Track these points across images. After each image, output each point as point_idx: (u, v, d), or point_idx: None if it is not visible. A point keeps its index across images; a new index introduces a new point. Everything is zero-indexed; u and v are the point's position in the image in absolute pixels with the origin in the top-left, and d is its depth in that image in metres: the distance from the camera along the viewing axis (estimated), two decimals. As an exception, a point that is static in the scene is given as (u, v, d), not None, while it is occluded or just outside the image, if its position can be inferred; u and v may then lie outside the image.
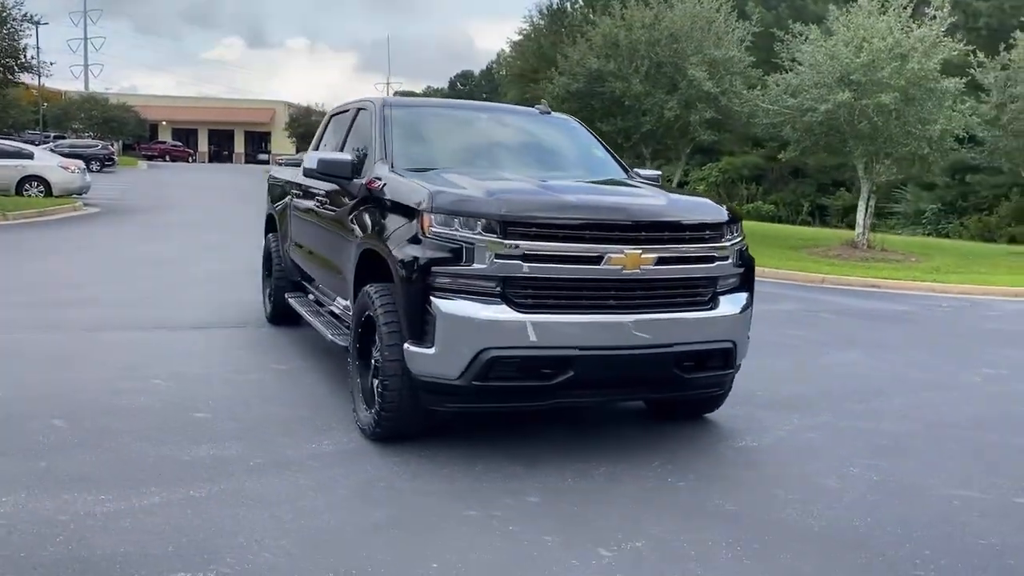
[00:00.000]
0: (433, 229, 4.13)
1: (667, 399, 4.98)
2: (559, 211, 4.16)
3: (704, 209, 4.56)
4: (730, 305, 4.54)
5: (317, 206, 6.07)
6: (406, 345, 4.22)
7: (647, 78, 18.01)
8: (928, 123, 15.15)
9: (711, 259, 4.44)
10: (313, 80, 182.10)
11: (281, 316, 7.66)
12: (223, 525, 3.46)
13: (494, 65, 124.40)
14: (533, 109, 6.41)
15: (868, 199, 17.16)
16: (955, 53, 15.35)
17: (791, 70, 16.86)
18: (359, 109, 6.11)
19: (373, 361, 4.64)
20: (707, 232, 4.44)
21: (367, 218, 4.90)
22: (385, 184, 4.81)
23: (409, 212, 4.35)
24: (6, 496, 3.64)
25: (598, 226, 4.17)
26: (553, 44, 52.44)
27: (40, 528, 3.35)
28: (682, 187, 22.79)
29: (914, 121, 15.23)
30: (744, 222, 5.05)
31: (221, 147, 76.73)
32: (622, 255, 4.15)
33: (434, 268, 4.09)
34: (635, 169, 5.99)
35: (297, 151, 59.35)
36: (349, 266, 5.16)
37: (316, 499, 3.78)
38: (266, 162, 70.38)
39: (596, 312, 4.17)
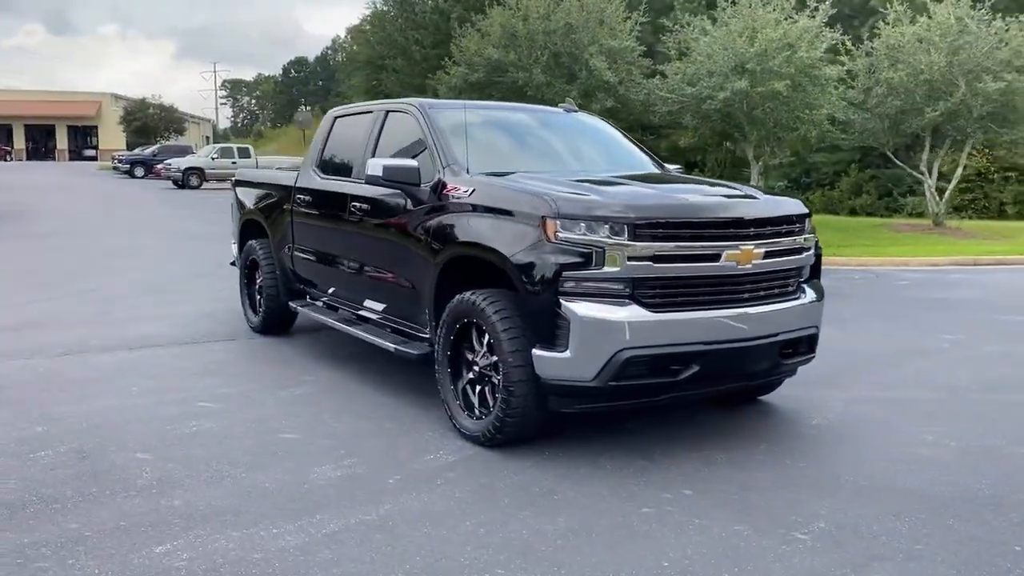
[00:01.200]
0: (560, 235, 4.17)
1: (758, 385, 5.23)
2: (683, 212, 4.31)
3: (790, 203, 4.82)
4: (813, 293, 4.84)
5: (352, 213, 5.89)
6: (535, 350, 4.24)
7: (547, 68, 18.33)
8: (815, 108, 16.33)
9: (801, 250, 4.73)
10: (131, 69, 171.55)
11: (273, 326, 7.40)
12: (429, 545, 3.41)
13: (330, 52, 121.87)
14: (560, 108, 6.49)
15: (757, 183, 18.25)
16: (834, 43, 16.55)
17: (679, 59, 17.61)
18: (389, 111, 5.99)
19: (472, 367, 4.66)
20: (796, 225, 4.71)
21: (451, 225, 4.84)
22: (474, 190, 4.78)
23: (523, 218, 4.35)
24: (177, 539, 3.43)
25: (717, 224, 4.35)
26: (402, 30, 52.12)
27: (249, 570, 3.19)
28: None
29: (801, 107, 16.36)
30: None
31: (40, 144, 71.12)
32: (738, 251, 4.35)
33: (565, 273, 4.14)
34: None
35: (131, 147, 55.89)
36: (422, 274, 5.09)
37: (490, 512, 3.77)
38: (94, 158, 65.90)
39: (716, 308, 4.35)
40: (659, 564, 3.27)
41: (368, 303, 6.06)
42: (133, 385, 5.81)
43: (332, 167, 6.51)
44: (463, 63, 19.56)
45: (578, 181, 4.74)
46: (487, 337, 4.56)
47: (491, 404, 4.58)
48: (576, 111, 6.49)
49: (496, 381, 4.50)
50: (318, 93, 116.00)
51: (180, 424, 4.95)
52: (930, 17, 17.25)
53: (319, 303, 6.86)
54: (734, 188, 4.99)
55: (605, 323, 4.09)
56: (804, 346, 4.82)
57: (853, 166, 34.43)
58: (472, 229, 4.68)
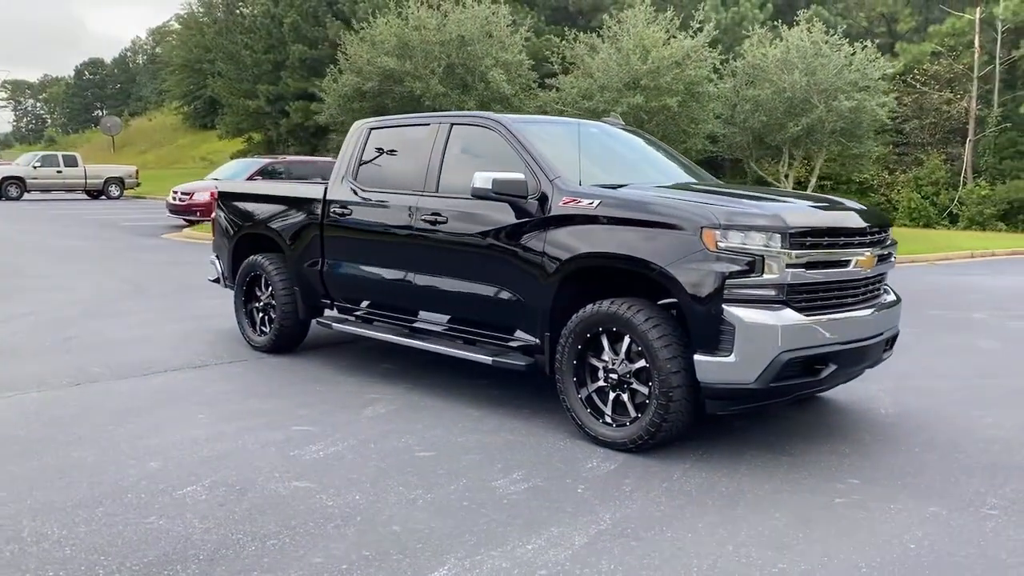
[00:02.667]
0: (722, 244, 4.39)
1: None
2: (826, 222, 4.67)
3: (880, 213, 5.29)
4: (895, 294, 5.35)
5: (422, 226, 5.81)
6: (697, 356, 4.44)
7: (443, 79, 18.32)
8: (700, 122, 17.43)
9: (891, 255, 5.21)
10: None
11: (285, 345, 7.12)
12: (687, 546, 3.53)
13: (129, 54, 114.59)
14: (609, 121, 6.69)
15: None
16: (714, 62, 17.74)
17: (564, 73, 18.22)
18: (454, 124, 5.96)
19: (604, 376, 4.79)
20: (887, 231, 5.19)
21: (576, 237, 4.94)
22: (600, 202, 4.90)
23: (677, 229, 4.53)
24: (444, 564, 3.35)
25: (849, 232, 4.73)
26: (225, 33, 50.08)
27: (558, 585, 3.19)
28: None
29: (687, 121, 17.42)
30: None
31: None
32: (864, 256, 4.76)
33: (729, 281, 4.36)
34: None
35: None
36: (531, 285, 5.15)
37: (708, 512, 3.93)
38: None
39: (847, 310, 4.73)
40: (905, 547, 3.57)
41: (425, 315, 6.01)
42: (195, 412, 5.45)
43: (377, 180, 6.37)
44: (353, 71, 19.18)
45: (707, 192, 4.98)
46: (625, 345, 4.70)
47: (630, 411, 4.72)
48: (622, 124, 6.72)
49: (640, 388, 4.65)
50: (117, 97, 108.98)
51: (300, 449, 4.73)
52: (783, 40, 18.86)
53: (351, 317, 6.68)
54: (823, 198, 5.40)
55: (768, 327, 4.35)
56: (892, 342, 5.30)
57: (722, 176, 37.04)
58: (609, 241, 4.79)
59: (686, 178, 6.18)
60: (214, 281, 8.03)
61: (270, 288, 7.15)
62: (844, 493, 4.17)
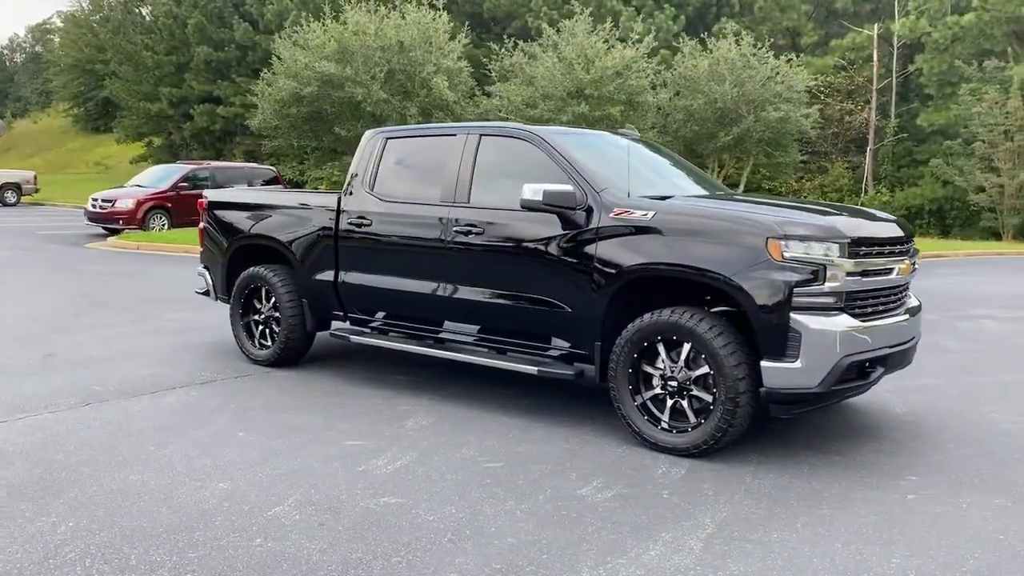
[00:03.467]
0: (787, 254, 4.57)
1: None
2: (876, 232, 4.91)
3: (905, 222, 5.59)
4: (917, 300, 5.66)
5: (456, 237, 5.80)
6: (764, 362, 4.61)
7: (385, 84, 18.12)
8: (640, 132, 17.82)
9: (915, 263, 5.51)
10: None
11: (290, 358, 6.98)
12: (830, 544, 3.67)
13: (6, 52, 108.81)
14: (626, 132, 6.81)
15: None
16: (655, 73, 18.20)
17: (503, 81, 18.35)
18: (484, 135, 5.97)
19: (657, 383, 4.92)
20: (913, 240, 5.50)
21: (631, 248, 5.04)
22: (655, 214, 5.01)
23: (741, 239, 4.68)
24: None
25: (892, 242, 5.00)
26: (118, 32, 48.08)
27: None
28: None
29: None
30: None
31: None
32: (903, 264, 5.04)
33: (796, 289, 4.55)
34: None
35: None
36: (581, 295, 5.22)
37: (822, 507, 4.09)
38: None
39: (889, 316, 4.99)
40: (995, 538, 3.81)
41: (452, 325, 6.01)
42: (232, 430, 5.30)
43: (399, 190, 6.33)
44: (289, 76, 18.76)
45: (753, 203, 5.16)
46: (684, 352, 4.83)
47: (690, 417, 4.86)
48: (638, 135, 6.86)
49: (701, 395, 4.79)
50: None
51: (365, 464, 4.67)
52: (711, 52, 19.52)
53: (366, 329, 6.61)
54: (858, 209, 5.67)
55: (832, 334, 4.56)
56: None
57: None
58: (669, 252, 4.91)
59: (704, 187, 6.36)
60: (203, 294, 7.78)
61: (272, 300, 6.99)
62: (910, 490, 4.41)
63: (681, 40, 19.42)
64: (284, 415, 5.65)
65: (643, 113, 18.02)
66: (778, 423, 5.42)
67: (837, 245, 4.62)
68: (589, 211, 5.25)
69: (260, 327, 7.15)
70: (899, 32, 31.10)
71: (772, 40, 31.57)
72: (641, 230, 5.04)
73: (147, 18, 47.84)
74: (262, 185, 21.81)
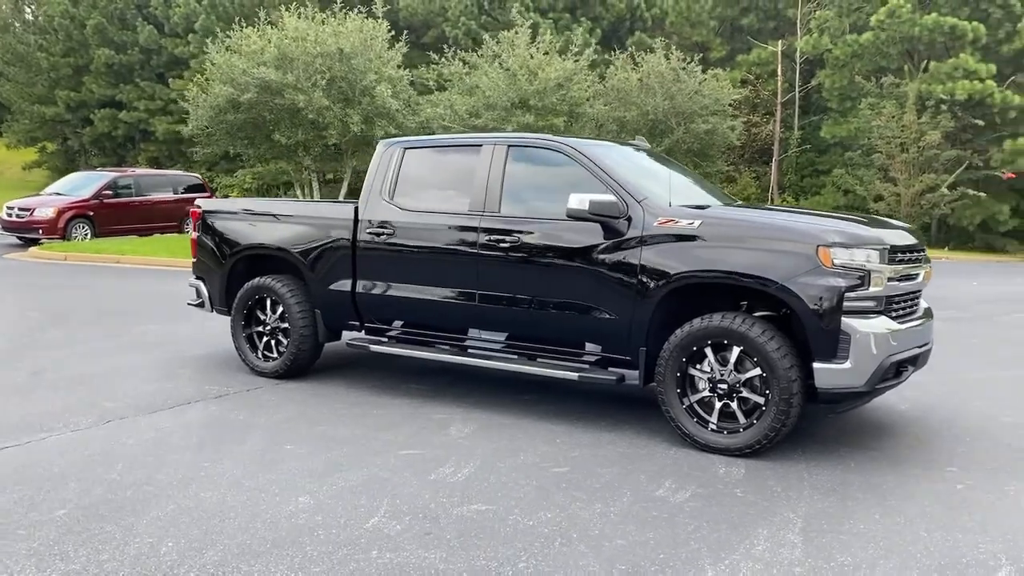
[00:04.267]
0: (837, 261, 4.84)
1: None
2: (906, 240, 5.23)
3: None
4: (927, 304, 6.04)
5: (487, 245, 5.86)
6: (816, 363, 4.86)
7: (327, 92, 17.81)
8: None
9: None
10: None
11: (299, 369, 6.89)
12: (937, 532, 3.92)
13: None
14: (637, 144, 6.98)
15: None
16: (595, 85, 18.57)
17: (441, 90, 18.39)
18: (511, 146, 6.05)
19: (704, 386, 5.13)
20: (923, 249, 5.88)
21: (678, 255, 5.21)
22: (701, 223, 5.21)
23: (792, 247, 4.93)
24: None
25: (915, 249, 5.33)
26: (7, 31, 45.61)
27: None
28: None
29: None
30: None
31: None
32: (925, 270, 5.40)
33: (846, 294, 4.82)
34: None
35: None
36: (626, 302, 5.37)
37: (870, 509, 4.34)
38: None
39: (912, 319, 5.33)
40: (1054, 520, 4.15)
41: (478, 333, 6.08)
42: (279, 443, 5.22)
43: (423, 200, 6.35)
44: (225, 81, 18.21)
45: (787, 212, 5.43)
46: (734, 356, 5.04)
47: (740, 418, 5.07)
48: (648, 146, 7.05)
49: (752, 396, 5.00)
50: None
51: (433, 473, 4.68)
52: (640, 65, 20.08)
53: (383, 338, 6.59)
54: (877, 219, 6.01)
55: (878, 336, 4.85)
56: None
57: None
58: (719, 259, 5.11)
59: (716, 196, 6.61)
60: (197, 306, 7.56)
61: (279, 311, 6.88)
62: (956, 480, 4.73)
63: (597, 53, 19.87)
64: (320, 427, 5.59)
65: (583, 124, 18.37)
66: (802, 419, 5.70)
67: (878, 252, 4.92)
68: (629, 220, 5.40)
69: (265, 339, 7.01)
70: (802, 48, 32.59)
71: (683, 55, 32.60)
72: (687, 238, 5.22)
73: (38, 17, 45.43)
74: (183, 192, 21.22)
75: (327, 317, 6.72)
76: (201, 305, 7.50)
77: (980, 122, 28.55)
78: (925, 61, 29.71)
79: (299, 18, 18.65)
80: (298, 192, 20.29)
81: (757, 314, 5.22)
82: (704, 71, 19.55)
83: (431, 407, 6.11)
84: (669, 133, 19.42)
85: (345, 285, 6.56)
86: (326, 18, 18.84)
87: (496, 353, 6.11)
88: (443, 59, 18.65)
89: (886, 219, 6.12)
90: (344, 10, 18.72)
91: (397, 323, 6.52)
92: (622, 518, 4.09)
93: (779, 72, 33.78)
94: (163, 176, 20.61)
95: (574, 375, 5.62)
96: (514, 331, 5.97)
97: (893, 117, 28.28)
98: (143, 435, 5.31)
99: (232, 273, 7.21)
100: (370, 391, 6.58)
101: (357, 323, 6.66)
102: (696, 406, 5.21)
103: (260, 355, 7.03)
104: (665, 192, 5.62)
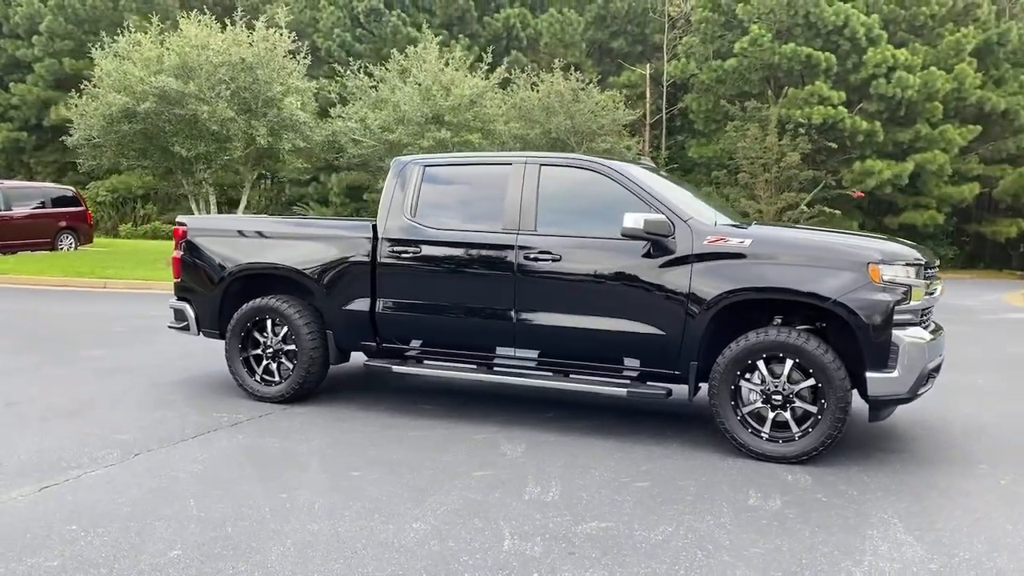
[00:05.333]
0: (885, 278, 5.21)
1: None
2: (931, 256, 5.65)
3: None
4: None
5: (525, 262, 5.90)
6: (869, 373, 5.19)
7: (231, 102, 16.98)
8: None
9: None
10: None
11: (305, 393, 6.67)
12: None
13: None
14: (645, 164, 7.15)
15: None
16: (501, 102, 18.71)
17: (344, 104, 18.07)
18: (543, 165, 6.11)
19: (755, 397, 5.38)
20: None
21: (729, 273, 5.43)
22: (752, 241, 5.46)
23: (842, 265, 5.25)
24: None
25: (932, 265, 5.77)
26: None
27: None
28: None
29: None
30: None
31: None
32: (941, 285, 5.87)
33: (896, 307, 5.19)
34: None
35: None
36: (676, 318, 5.54)
37: (942, 507, 4.68)
38: None
39: (935, 331, 5.78)
40: (1102, 508, 4.63)
41: (512, 351, 6.09)
42: (343, 470, 5.05)
43: (449, 218, 6.30)
44: (117, 89, 17.03)
45: (822, 232, 5.78)
46: (787, 367, 5.31)
47: (793, 427, 5.34)
48: (654, 167, 7.25)
49: (805, 406, 5.29)
50: None
51: (527, 493, 4.67)
52: (535, 87, 20.51)
53: (400, 358, 6.48)
54: (894, 238, 6.45)
55: (921, 345, 5.25)
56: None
57: None
58: (774, 276, 5.36)
59: (728, 215, 6.87)
60: (180, 329, 7.13)
61: (282, 332, 6.62)
62: (993, 475, 5.17)
63: (493, 70, 20.11)
64: (370, 451, 5.44)
65: (492, 141, 18.52)
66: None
67: (914, 268, 5.33)
68: (676, 238, 5.58)
69: (266, 362, 6.72)
70: (670, 72, 34.19)
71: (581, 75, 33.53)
72: (737, 256, 5.45)
73: None
74: (53, 206, 19.82)
75: (340, 338, 6.53)
76: (186, 328, 7.09)
77: (833, 145, 30.83)
78: (784, 87, 31.83)
79: (199, 25, 17.80)
80: (194, 207, 19.31)
81: (802, 328, 5.50)
82: (611, 94, 20.23)
83: (465, 427, 6.05)
84: (570, 152, 19.87)
85: (363, 304, 6.39)
86: (227, 27, 18.11)
87: (529, 371, 6.13)
88: (348, 72, 18.32)
89: (897, 239, 6.60)
90: (245, 18, 18.05)
91: (415, 342, 6.41)
92: (739, 528, 4.23)
93: (647, 94, 35.27)
94: (37, 188, 19.14)
95: (622, 391, 5.73)
96: (549, 348, 6.01)
97: (756, 139, 30.10)
98: (188, 467, 4.99)
99: (225, 294, 6.86)
100: (388, 413, 6.44)
101: (373, 343, 6.49)
102: (748, 417, 5.43)
103: (259, 379, 6.72)
104: (705, 211, 5.84)
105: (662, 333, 5.61)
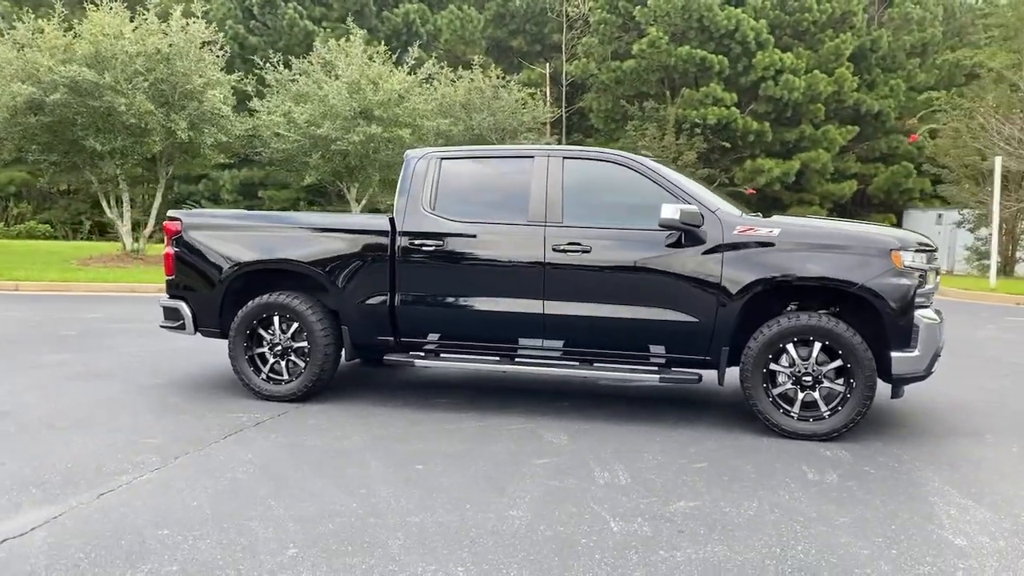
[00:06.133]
0: (905, 264, 5.57)
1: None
2: (933, 244, 6.05)
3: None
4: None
5: (559, 256, 5.97)
6: (893, 353, 5.54)
7: (150, 95, 16.07)
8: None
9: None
10: None
11: (318, 391, 6.56)
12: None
13: None
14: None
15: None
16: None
17: (260, 97, 17.56)
18: (567, 158, 6.20)
19: (785, 379, 5.66)
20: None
21: (761, 261, 5.68)
22: (781, 231, 5.72)
23: (866, 252, 5.57)
24: (960, 531, 4.01)
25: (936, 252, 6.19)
26: None
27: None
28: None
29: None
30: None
31: None
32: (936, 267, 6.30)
33: (917, 291, 5.57)
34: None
35: None
36: (708, 306, 5.75)
37: (989, 476, 5.06)
38: None
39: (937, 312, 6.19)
40: (1112, 468, 5.11)
41: (539, 341, 6.15)
42: (403, 463, 4.99)
43: (472, 211, 6.29)
44: (20, 79, 15.83)
45: (836, 221, 6.10)
46: (815, 349, 5.60)
47: (821, 406, 5.63)
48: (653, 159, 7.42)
49: (832, 386, 5.59)
50: None
51: (599, 477, 4.76)
52: (454, 82, 20.54)
53: (421, 353, 6.45)
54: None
55: (934, 325, 5.64)
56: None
57: (303, 204, 36.88)
58: (804, 264, 5.62)
59: (735, 206, 7.11)
60: (175, 328, 6.83)
61: (291, 329, 6.46)
62: (1003, 444, 5.62)
63: (414, 66, 20.02)
64: (415, 444, 5.39)
65: (420, 137, 18.36)
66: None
67: (925, 254, 5.72)
68: (706, 228, 5.78)
69: (274, 360, 6.53)
70: (570, 72, 34.82)
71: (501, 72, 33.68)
72: (766, 245, 5.70)
73: None
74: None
75: (357, 333, 6.41)
76: (181, 327, 6.79)
77: (727, 144, 32.17)
78: (681, 88, 32.94)
79: (111, 12, 16.83)
80: (105, 206, 18.29)
81: (823, 311, 5.80)
82: (531, 92, 20.44)
83: (494, 419, 6.08)
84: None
85: (381, 299, 6.31)
86: (139, 16, 17.23)
87: (555, 361, 6.21)
88: (267, 64, 17.77)
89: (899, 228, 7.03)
90: (156, 7, 17.23)
91: (432, 336, 6.38)
92: (816, 501, 4.44)
93: (547, 93, 35.78)
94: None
95: (655, 377, 5.89)
96: (576, 338, 6.10)
97: (655, 138, 31.07)
98: (241, 468, 4.82)
99: (227, 292, 6.63)
100: (407, 408, 6.39)
101: (391, 338, 6.41)
102: (778, 399, 5.69)
103: (265, 378, 6.53)
104: (724, 203, 6.07)
105: (695, 320, 5.80)
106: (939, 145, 27.89)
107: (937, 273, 6.09)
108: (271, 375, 6.54)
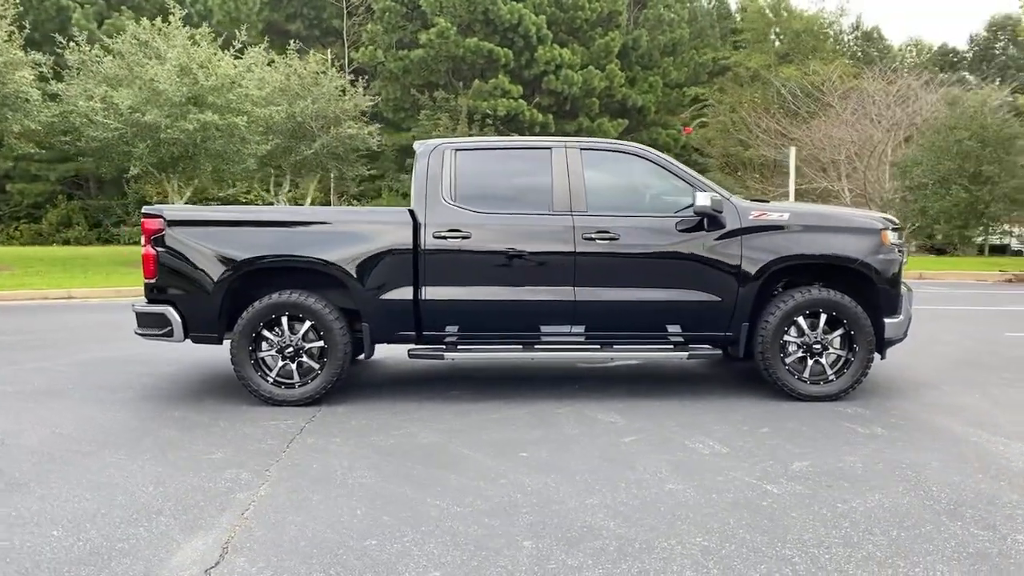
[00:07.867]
0: (890, 242, 6.40)
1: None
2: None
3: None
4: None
5: (588, 244, 6.18)
6: (886, 319, 6.35)
7: None
8: (251, 143, 16.95)
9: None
10: None
11: (333, 390, 6.32)
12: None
13: None
14: None
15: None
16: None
17: (59, 80, 15.81)
18: (584, 149, 6.41)
19: (796, 348, 6.32)
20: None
21: (774, 242, 6.25)
22: (790, 215, 6.34)
23: (862, 232, 6.32)
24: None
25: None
26: None
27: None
28: None
29: (240, 141, 16.81)
30: None
31: None
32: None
33: (900, 265, 6.42)
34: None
35: None
36: (727, 285, 6.24)
37: (1007, 437, 5.97)
38: None
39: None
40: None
41: (561, 328, 6.34)
42: (469, 458, 5.02)
43: (494, 202, 6.31)
44: None
45: (823, 206, 6.82)
46: (823, 320, 6.29)
47: (827, 370, 6.34)
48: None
49: (837, 351, 6.32)
50: None
51: (692, 463, 5.09)
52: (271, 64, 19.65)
53: (442, 345, 6.40)
54: None
55: (910, 295, 6.54)
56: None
57: (61, 198, 33.25)
58: (812, 244, 6.26)
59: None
60: (159, 336, 6.21)
61: (303, 329, 6.16)
62: (980, 390, 6.63)
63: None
64: (491, 434, 5.41)
65: (251, 124, 17.24)
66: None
67: (897, 232, 6.60)
68: (726, 214, 6.26)
69: (283, 362, 6.18)
70: (358, 60, 34.29)
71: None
72: (777, 228, 6.29)
73: None
74: None
75: (378, 330, 6.22)
76: (167, 335, 6.18)
77: (516, 135, 33.28)
78: (471, 80, 33.59)
79: None
80: None
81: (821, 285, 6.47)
82: (351, 79, 19.92)
83: (539, 404, 6.21)
84: (314, 137, 19.31)
85: (405, 293, 6.17)
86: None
87: (576, 345, 6.42)
88: (70, 43, 15.79)
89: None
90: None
91: (451, 328, 6.34)
92: (897, 450, 5.00)
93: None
94: None
95: (683, 354, 6.29)
96: (600, 322, 6.33)
97: (448, 128, 31.50)
98: (352, 473, 4.61)
99: (227, 293, 6.15)
100: (439, 401, 6.34)
101: (413, 332, 6.29)
102: (792, 366, 6.31)
103: (273, 381, 6.16)
104: (726, 191, 6.59)
105: (719, 299, 6.26)
106: (707, 137, 30.73)
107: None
108: (279, 379, 6.16)
